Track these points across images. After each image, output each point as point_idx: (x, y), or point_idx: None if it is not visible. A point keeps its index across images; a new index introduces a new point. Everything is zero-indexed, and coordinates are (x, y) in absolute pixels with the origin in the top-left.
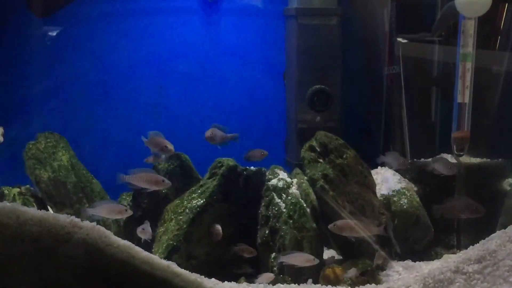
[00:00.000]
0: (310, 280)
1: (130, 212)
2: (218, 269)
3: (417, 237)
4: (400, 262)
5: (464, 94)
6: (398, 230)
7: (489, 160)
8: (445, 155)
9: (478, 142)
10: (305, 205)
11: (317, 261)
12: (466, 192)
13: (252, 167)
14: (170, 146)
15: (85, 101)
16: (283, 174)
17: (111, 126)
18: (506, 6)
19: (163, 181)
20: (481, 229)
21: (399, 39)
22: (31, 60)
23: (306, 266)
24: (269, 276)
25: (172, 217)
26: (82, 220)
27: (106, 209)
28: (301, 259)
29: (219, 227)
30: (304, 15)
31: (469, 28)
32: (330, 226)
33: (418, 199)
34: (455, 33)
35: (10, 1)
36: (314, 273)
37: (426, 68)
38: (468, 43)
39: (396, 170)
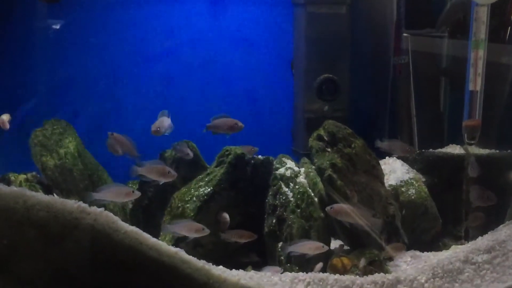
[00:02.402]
0: (320, 264)
1: (138, 194)
2: (225, 258)
3: (425, 227)
4: (408, 252)
5: (476, 82)
6: (406, 221)
7: (498, 151)
8: (453, 146)
9: (487, 133)
10: (312, 194)
11: (326, 248)
12: (475, 183)
13: (259, 156)
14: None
15: (92, 89)
16: (290, 163)
17: (118, 114)
18: None
19: (168, 172)
20: (490, 220)
21: (405, 34)
22: (38, 48)
23: (315, 254)
24: (276, 269)
25: (179, 205)
26: (90, 205)
27: (113, 192)
28: (309, 247)
29: (226, 215)
30: (312, 4)
31: (482, 15)
32: (327, 208)
33: (426, 190)
34: (460, 27)
35: None
36: (322, 262)
37: (434, 60)
38: (480, 30)
39: (400, 158)
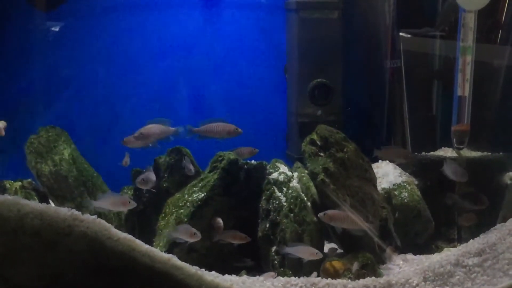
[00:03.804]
0: (314, 273)
1: (133, 204)
2: (219, 262)
3: (418, 230)
4: (401, 255)
5: (464, 88)
6: (399, 224)
7: (490, 153)
8: (446, 149)
9: (479, 135)
10: (305, 198)
11: (320, 255)
12: (467, 186)
13: (253, 161)
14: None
15: (87, 95)
16: (284, 168)
17: (113, 120)
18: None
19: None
20: (482, 222)
21: (402, 34)
22: (33, 55)
23: (308, 259)
24: (272, 275)
25: (173, 210)
26: (83, 213)
27: (110, 201)
28: (305, 252)
29: (220, 220)
30: (305, 9)
31: (469, 21)
32: (320, 215)
33: (419, 193)
34: (454, 28)
35: None
36: (315, 266)
37: (427, 62)
38: (468, 37)
39: (399, 164)
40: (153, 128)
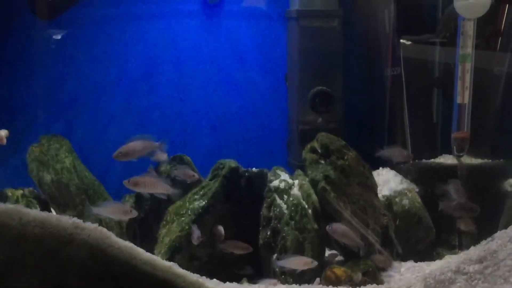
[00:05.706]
0: (317, 280)
1: (135, 213)
2: (220, 270)
3: (419, 237)
4: (402, 262)
5: (463, 95)
6: (400, 231)
7: (490, 160)
8: (446, 156)
9: (479, 142)
10: (306, 206)
11: (315, 263)
12: (467, 193)
13: (254, 169)
14: None
15: (89, 104)
16: (284, 175)
17: (114, 129)
18: (507, 7)
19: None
20: (482, 229)
21: (402, 41)
22: (34, 63)
23: (305, 269)
24: (273, 282)
25: (174, 218)
26: (85, 220)
27: (111, 209)
28: (298, 262)
29: (221, 228)
30: (305, 17)
31: (468, 29)
32: (327, 227)
33: (419, 200)
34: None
35: (13, 3)
36: (316, 273)
37: (427, 69)
38: (467, 44)
39: (399, 163)
40: (133, 145)
